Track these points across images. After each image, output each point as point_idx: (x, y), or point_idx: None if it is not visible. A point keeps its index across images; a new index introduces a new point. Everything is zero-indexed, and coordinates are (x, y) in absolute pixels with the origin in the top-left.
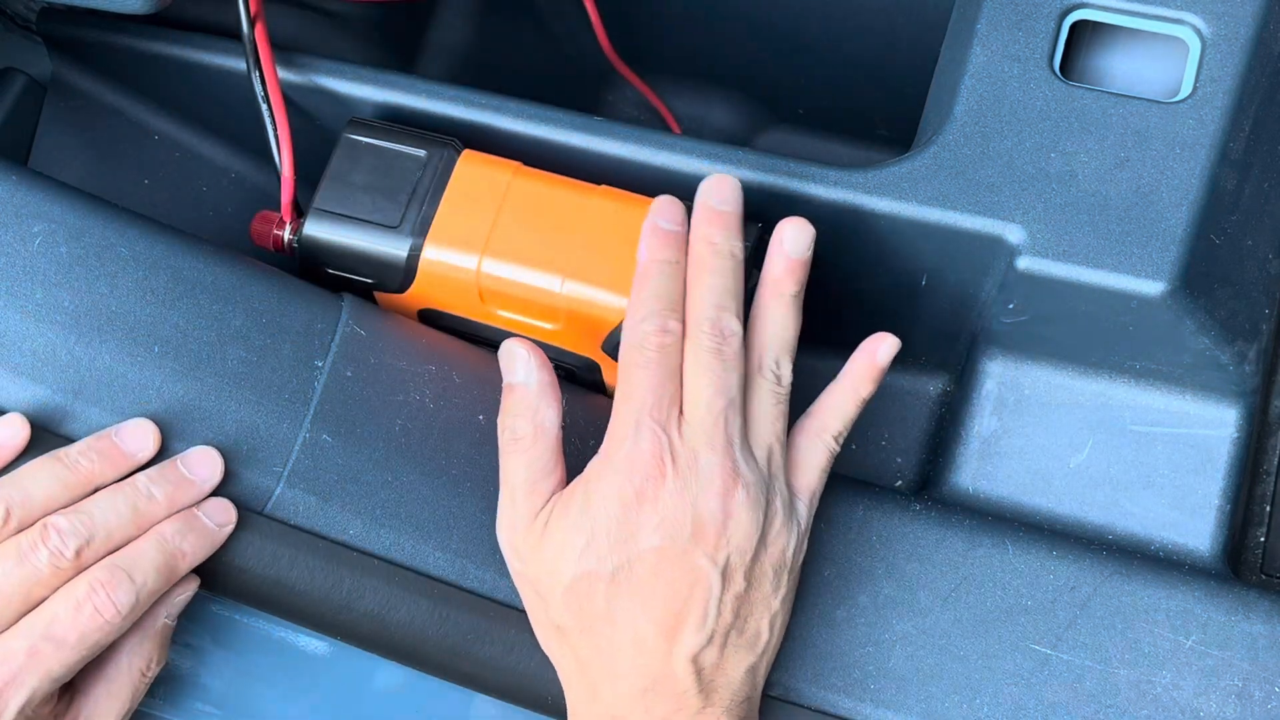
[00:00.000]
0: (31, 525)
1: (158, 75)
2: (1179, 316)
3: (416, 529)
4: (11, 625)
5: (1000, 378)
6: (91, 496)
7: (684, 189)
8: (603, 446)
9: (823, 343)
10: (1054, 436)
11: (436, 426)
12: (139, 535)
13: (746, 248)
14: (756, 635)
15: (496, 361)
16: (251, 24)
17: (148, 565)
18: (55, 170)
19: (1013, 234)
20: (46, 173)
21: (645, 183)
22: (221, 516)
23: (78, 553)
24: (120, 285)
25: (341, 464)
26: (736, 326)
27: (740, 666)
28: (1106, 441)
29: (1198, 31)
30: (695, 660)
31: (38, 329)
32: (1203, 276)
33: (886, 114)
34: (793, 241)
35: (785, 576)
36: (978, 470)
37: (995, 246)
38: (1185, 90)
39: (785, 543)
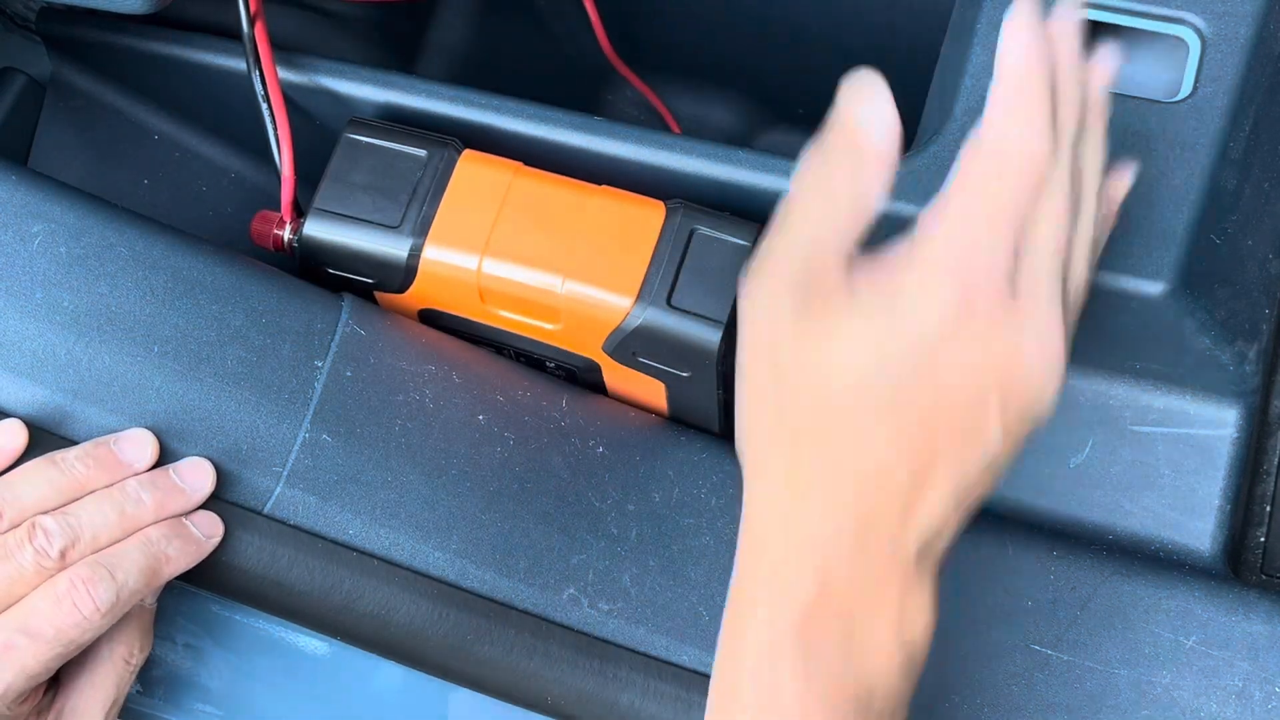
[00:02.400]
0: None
1: (158, 75)
2: (1179, 316)
3: (416, 529)
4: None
5: None
6: (81, 500)
7: (684, 189)
8: (937, 219)
9: None
10: (1054, 436)
11: (436, 426)
12: (125, 538)
13: (748, 249)
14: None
15: (496, 362)
16: (251, 23)
17: (130, 565)
18: (55, 170)
19: None
20: (46, 173)
21: (645, 183)
22: (209, 528)
23: (63, 553)
24: (120, 285)
25: (341, 464)
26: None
27: (956, 524)
28: (1106, 441)
29: (1198, 31)
30: (932, 515)
31: (37, 329)
32: (1203, 276)
33: None
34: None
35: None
36: None
37: None
38: (1185, 90)
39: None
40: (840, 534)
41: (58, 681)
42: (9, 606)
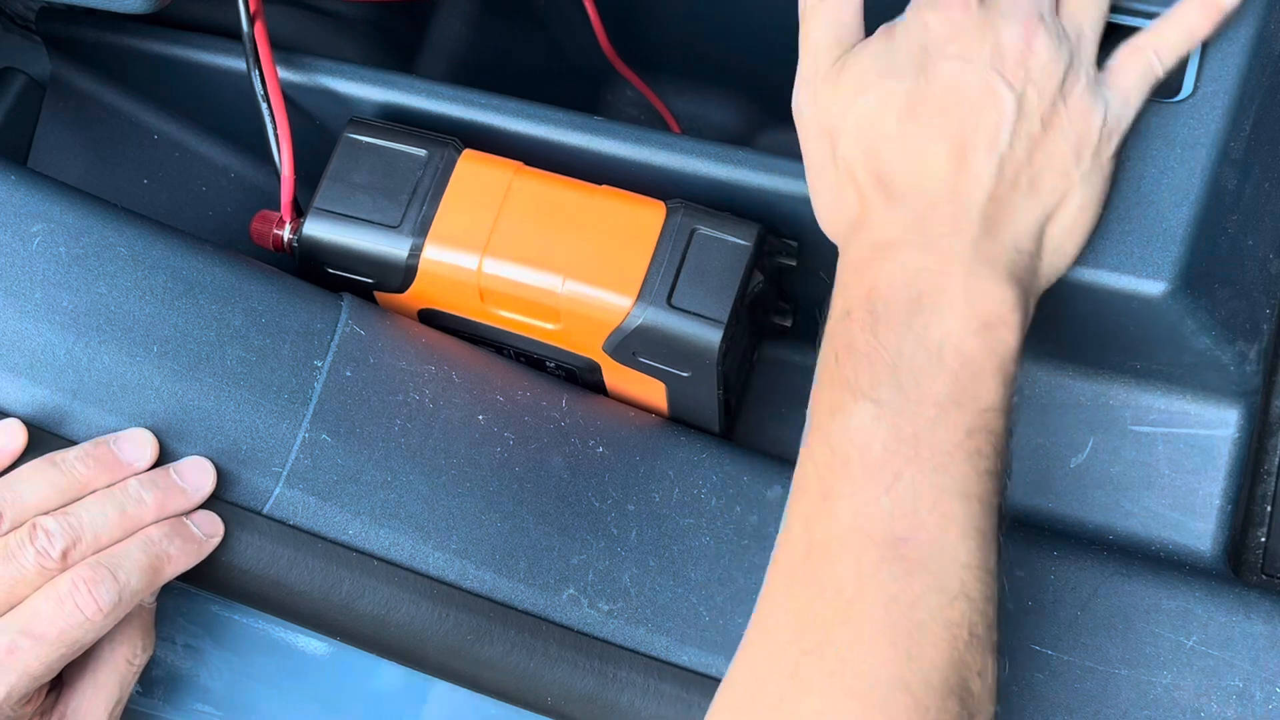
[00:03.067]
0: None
1: (158, 75)
2: (1179, 316)
3: (416, 529)
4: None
5: None
6: (82, 500)
7: (684, 189)
8: None
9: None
10: (1054, 436)
11: (436, 426)
12: (127, 538)
13: (755, 255)
14: (1050, 192)
15: (496, 362)
16: (251, 22)
17: (132, 565)
18: (55, 170)
19: None
20: (46, 173)
21: (645, 182)
22: (209, 528)
23: (64, 554)
24: (120, 285)
25: (341, 464)
26: None
27: (1028, 215)
28: (1106, 441)
29: None
30: (980, 184)
31: (37, 329)
32: (1203, 276)
33: None
34: None
35: (1087, 152)
36: None
37: None
38: (1185, 90)
39: (1087, 110)
40: (906, 224)
41: (61, 682)
42: (11, 608)
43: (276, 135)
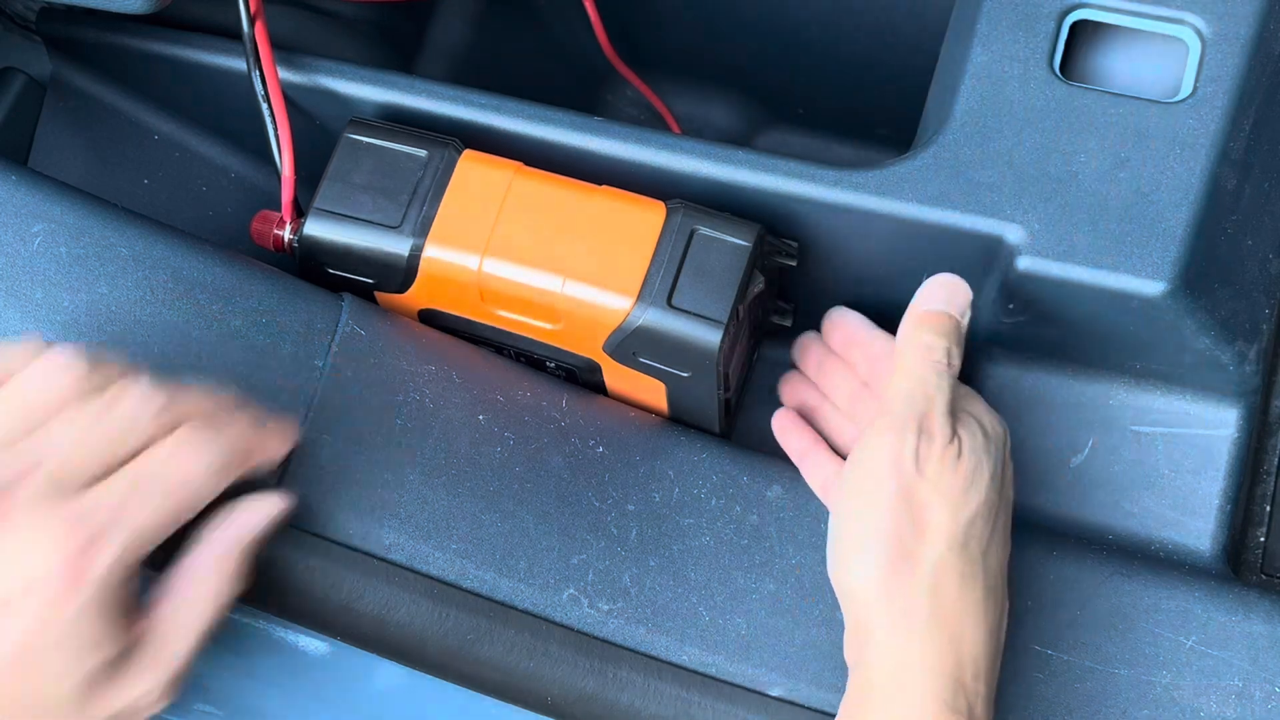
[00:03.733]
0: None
1: (158, 75)
2: (1179, 316)
3: (416, 529)
4: (102, 480)
5: (1000, 378)
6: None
7: (684, 189)
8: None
9: None
10: (1054, 436)
11: (436, 426)
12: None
13: (755, 255)
14: None
15: (497, 362)
16: (251, 22)
17: (234, 433)
18: (55, 170)
19: (1012, 234)
20: (46, 173)
21: (645, 183)
22: (289, 431)
23: (165, 405)
24: (120, 285)
25: (341, 464)
26: None
27: None
28: (1106, 441)
29: (1198, 31)
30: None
31: (37, 329)
32: (1203, 276)
33: (886, 114)
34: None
35: None
36: None
37: (995, 246)
38: (1185, 90)
39: None
40: (942, 679)
41: (147, 607)
42: (121, 465)
43: (277, 135)
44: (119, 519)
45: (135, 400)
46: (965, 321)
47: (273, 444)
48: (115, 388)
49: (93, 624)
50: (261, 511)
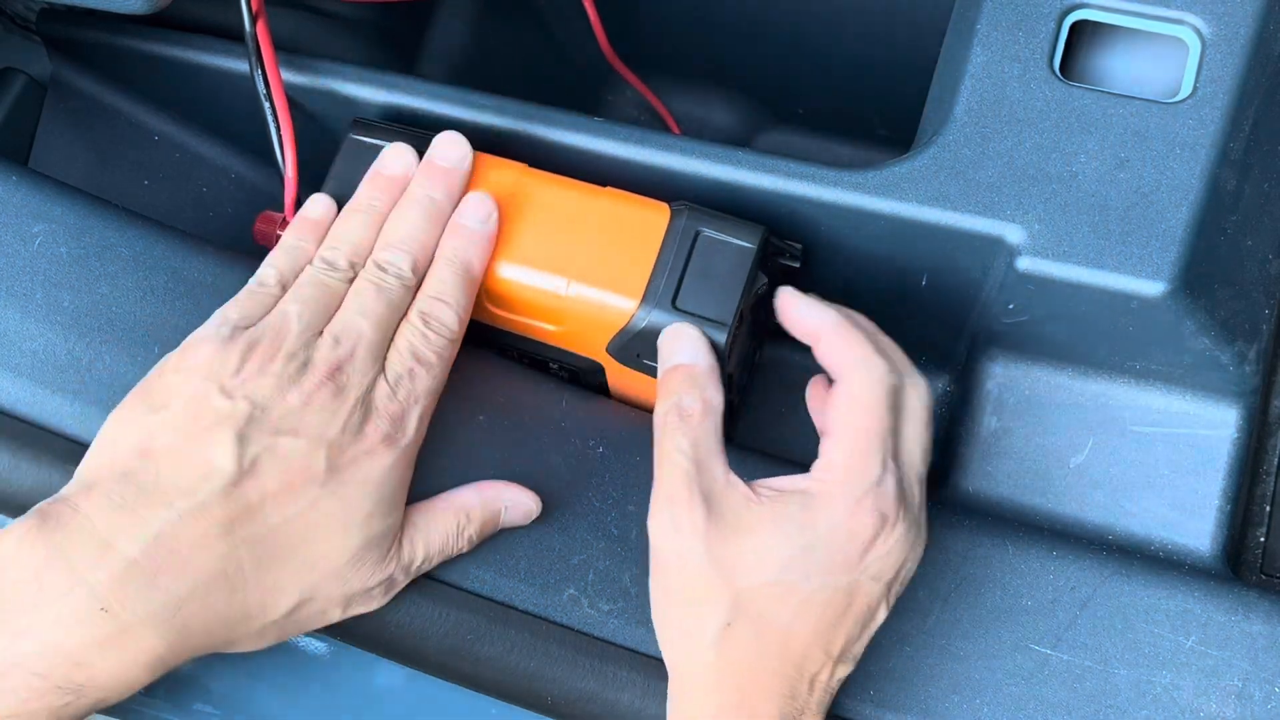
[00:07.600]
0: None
1: (158, 75)
2: (1179, 317)
3: None
4: (386, 353)
5: (1000, 378)
6: (390, 221)
7: (686, 190)
8: (836, 461)
9: None
10: (1054, 436)
11: (436, 426)
12: (441, 235)
13: (759, 258)
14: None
15: (497, 362)
16: (254, 21)
17: (454, 289)
18: (55, 170)
19: (1013, 234)
20: (46, 173)
21: (647, 184)
22: (480, 211)
23: (413, 269)
24: (121, 285)
25: None
26: None
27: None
28: (1106, 441)
29: (1198, 31)
30: (837, 680)
31: (38, 329)
32: (1203, 276)
33: (886, 114)
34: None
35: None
36: (978, 470)
37: (995, 247)
38: (1185, 90)
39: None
40: (779, 708)
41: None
42: (390, 339)
43: (280, 136)
44: (412, 388)
45: (395, 271)
46: (702, 362)
47: (482, 252)
48: (372, 267)
49: (396, 487)
50: (523, 505)
